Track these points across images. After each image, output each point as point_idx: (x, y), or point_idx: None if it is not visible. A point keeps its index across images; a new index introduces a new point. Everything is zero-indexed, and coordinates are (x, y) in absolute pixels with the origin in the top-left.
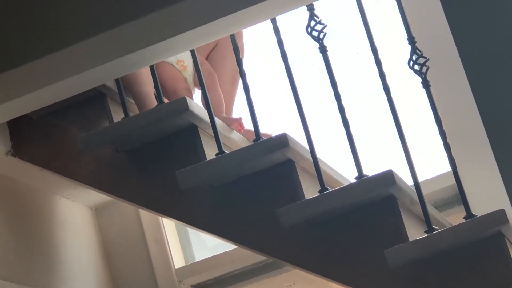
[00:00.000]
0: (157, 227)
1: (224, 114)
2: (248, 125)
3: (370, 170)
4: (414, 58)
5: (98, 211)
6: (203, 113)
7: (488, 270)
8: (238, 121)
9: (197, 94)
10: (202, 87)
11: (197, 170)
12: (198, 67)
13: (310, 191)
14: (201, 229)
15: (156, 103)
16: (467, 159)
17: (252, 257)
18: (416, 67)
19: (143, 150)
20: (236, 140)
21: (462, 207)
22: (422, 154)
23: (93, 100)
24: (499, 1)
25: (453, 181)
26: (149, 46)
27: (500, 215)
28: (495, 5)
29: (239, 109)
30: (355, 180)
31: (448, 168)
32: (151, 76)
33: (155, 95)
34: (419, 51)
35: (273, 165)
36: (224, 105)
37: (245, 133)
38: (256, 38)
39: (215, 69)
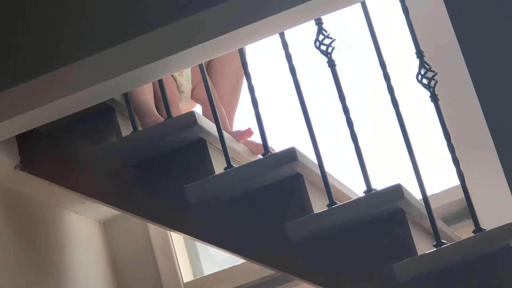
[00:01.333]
0: (165, 241)
1: (229, 129)
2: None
3: (379, 184)
4: (422, 72)
5: (106, 225)
6: (211, 127)
7: (498, 284)
8: (248, 133)
9: (197, 108)
10: (210, 101)
11: (205, 184)
12: (207, 83)
13: (318, 205)
14: (210, 243)
15: (156, 112)
16: (475, 173)
17: (260, 271)
18: (425, 81)
19: (152, 164)
20: (244, 154)
21: (470, 221)
22: (431, 167)
23: (102, 114)
24: (508, 14)
25: (462, 195)
26: (158, 60)
27: (509, 229)
28: (504, 18)
29: (246, 121)
30: (364, 194)
31: (456, 181)
32: (149, 85)
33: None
34: (428, 65)
35: (281, 179)
36: (226, 119)
37: (246, 143)
38: (264, 44)
39: (215, 78)
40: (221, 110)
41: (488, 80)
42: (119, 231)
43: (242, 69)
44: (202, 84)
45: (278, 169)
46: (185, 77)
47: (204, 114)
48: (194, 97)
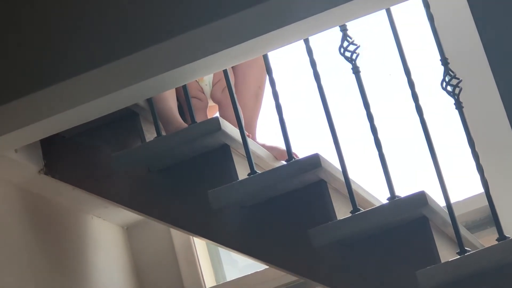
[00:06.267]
0: (188, 246)
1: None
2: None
3: (402, 191)
4: (447, 79)
5: (129, 230)
6: (235, 133)
7: None
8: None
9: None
10: (234, 107)
11: (229, 190)
12: (231, 88)
13: (342, 211)
14: (233, 249)
15: (179, 118)
16: (499, 181)
17: (283, 277)
18: (449, 88)
19: (175, 170)
20: (267, 160)
21: (494, 228)
22: (455, 175)
23: (126, 119)
24: None
25: (486, 203)
26: (181, 66)
27: None
28: None
29: (270, 127)
30: (387, 201)
31: (480, 189)
32: (172, 91)
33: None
34: (452, 72)
35: (305, 186)
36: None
37: (270, 149)
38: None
39: (237, 85)
40: (232, 113)
41: None
42: (142, 236)
43: (264, 75)
44: (219, 84)
45: (302, 175)
46: (206, 81)
47: (221, 115)
48: (211, 97)
